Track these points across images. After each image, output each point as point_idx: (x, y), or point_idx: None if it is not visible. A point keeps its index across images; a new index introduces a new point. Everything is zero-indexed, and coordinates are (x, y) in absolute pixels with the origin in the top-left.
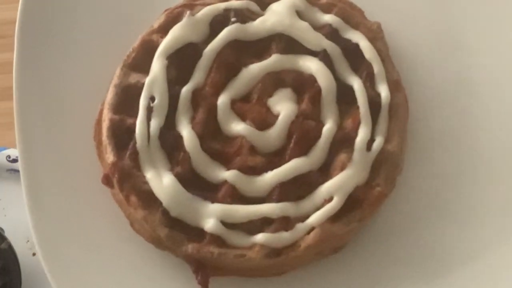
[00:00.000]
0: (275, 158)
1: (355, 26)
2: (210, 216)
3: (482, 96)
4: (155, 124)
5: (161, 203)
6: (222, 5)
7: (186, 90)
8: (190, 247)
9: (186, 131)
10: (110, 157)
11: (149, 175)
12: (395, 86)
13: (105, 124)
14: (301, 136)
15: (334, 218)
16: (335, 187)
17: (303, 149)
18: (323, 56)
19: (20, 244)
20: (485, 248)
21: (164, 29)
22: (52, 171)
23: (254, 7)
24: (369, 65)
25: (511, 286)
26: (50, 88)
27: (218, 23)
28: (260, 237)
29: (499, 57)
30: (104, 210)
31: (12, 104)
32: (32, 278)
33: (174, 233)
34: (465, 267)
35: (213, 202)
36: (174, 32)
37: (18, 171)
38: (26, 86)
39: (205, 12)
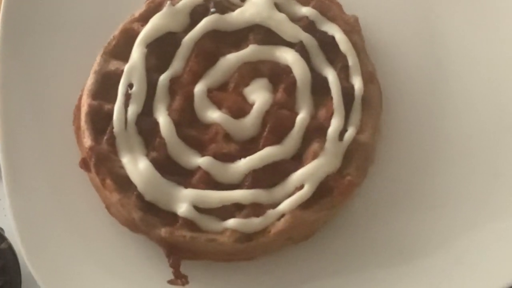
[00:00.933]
0: (249, 146)
1: (332, 19)
2: (183, 200)
3: (457, 89)
4: (132, 110)
5: (136, 187)
6: None
7: (164, 78)
8: (163, 231)
9: (162, 118)
10: (87, 141)
11: (125, 159)
12: (369, 78)
13: (83, 110)
14: (275, 125)
15: (305, 205)
16: (306, 175)
17: (277, 138)
18: (300, 48)
19: (20, 244)
20: (454, 235)
21: (144, 18)
22: (31, 155)
23: None
24: (344, 57)
25: (477, 269)
26: (32, 75)
27: (198, 13)
28: (231, 222)
29: (474, 51)
30: (81, 194)
31: None
32: (32, 278)
33: (148, 216)
34: (434, 254)
35: (186, 187)
36: (154, 21)
37: None
38: (9, 72)
39: (185, 2)
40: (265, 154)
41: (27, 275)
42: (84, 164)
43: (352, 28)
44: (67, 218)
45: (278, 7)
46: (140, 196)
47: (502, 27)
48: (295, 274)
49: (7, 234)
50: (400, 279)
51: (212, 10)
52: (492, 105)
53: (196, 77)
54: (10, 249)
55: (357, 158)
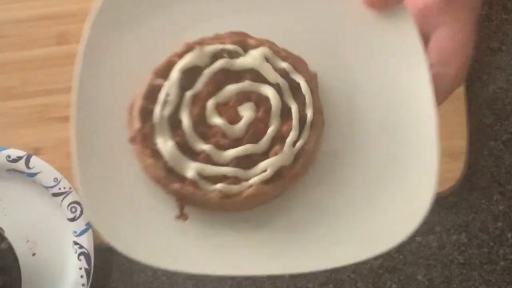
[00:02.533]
0: (237, 142)
1: (299, 72)
2: (191, 169)
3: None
4: (167, 110)
5: (163, 157)
6: (220, 46)
7: (189, 94)
8: (176, 186)
9: (185, 118)
10: (136, 125)
11: (159, 140)
12: (317, 111)
13: (136, 106)
14: (254, 132)
15: (266, 182)
16: (269, 164)
17: (255, 140)
18: (277, 87)
19: (20, 244)
20: (369, 201)
21: (182, 55)
22: (95, 131)
23: (240, 50)
24: (303, 97)
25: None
26: (106, 74)
27: (216, 56)
28: (219, 186)
29: (382, 92)
30: (128, 160)
31: (11, 104)
32: (32, 278)
33: (168, 175)
34: (354, 214)
35: (194, 161)
36: (188, 57)
37: (18, 171)
38: (89, 66)
39: (209, 48)
40: (246, 148)
41: (27, 275)
42: (133, 140)
43: (311, 79)
44: (116, 175)
45: (267, 60)
46: (165, 163)
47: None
48: (267, 223)
49: (7, 234)
50: (327, 234)
51: (225, 55)
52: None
53: (210, 96)
54: (10, 249)
55: (303, 158)
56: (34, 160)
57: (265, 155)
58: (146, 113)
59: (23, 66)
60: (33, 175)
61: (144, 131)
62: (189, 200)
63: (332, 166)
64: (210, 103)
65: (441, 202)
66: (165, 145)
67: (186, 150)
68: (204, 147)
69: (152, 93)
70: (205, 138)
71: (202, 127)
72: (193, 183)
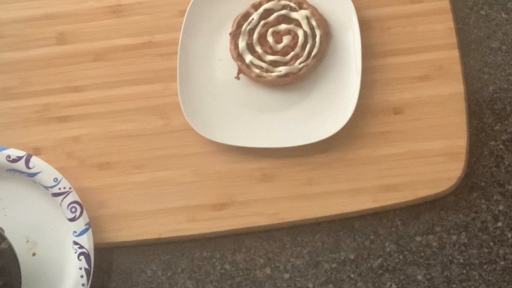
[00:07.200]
0: (275, 53)
1: (320, 27)
2: (248, 58)
3: None
4: (249, 27)
5: (239, 47)
6: (287, 2)
7: (262, 22)
8: (239, 63)
9: (256, 32)
10: (232, 29)
11: (240, 39)
12: (320, 52)
13: (236, 20)
14: (285, 51)
15: (279, 76)
16: (283, 69)
17: (284, 54)
18: (305, 33)
19: (20, 244)
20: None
21: (266, 2)
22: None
23: (296, 7)
24: (316, 42)
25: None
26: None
27: (283, 6)
28: (257, 71)
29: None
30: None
31: (11, 104)
32: (32, 278)
33: (238, 57)
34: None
35: (251, 55)
36: (270, 4)
37: (18, 171)
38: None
39: (281, 2)
40: (277, 57)
41: (27, 275)
42: (231, 35)
43: (326, 34)
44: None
45: (307, 17)
46: (238, 50)
47: None
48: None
49: (7, 234)
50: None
51: (288, 8)
52: None
53: (272, 25)
54: (10, 249)
55: (302, 70)
56: (34, 160)
57: (286, 63)
58: (239, 25)
59: (23, 66)
60: (33, 175)
61: (235, 33)
62: (243, 72)
63: (315, 79)
64: (271, 29)
65: (441, 202)
66: (241, 43)
67: (250, 48)
68: (258, 50)
69: (246, 16)
70: (261, 46)
71: (262, 40)
72: (247, 65)
